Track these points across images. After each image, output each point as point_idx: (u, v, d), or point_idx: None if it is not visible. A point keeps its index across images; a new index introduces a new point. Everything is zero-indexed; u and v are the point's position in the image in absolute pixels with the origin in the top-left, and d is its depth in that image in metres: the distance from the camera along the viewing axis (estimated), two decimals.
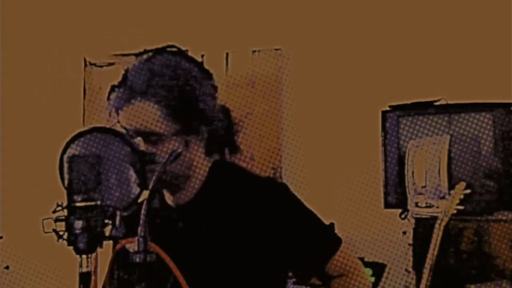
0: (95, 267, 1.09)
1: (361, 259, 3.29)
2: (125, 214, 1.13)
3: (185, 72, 1.47)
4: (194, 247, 1.11)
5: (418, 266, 2.67)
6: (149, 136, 1.42)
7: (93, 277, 1.07)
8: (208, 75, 1.54)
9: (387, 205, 3.18)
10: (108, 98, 1.50)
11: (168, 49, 1.50)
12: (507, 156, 2.86)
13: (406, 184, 2.94)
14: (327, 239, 1.56)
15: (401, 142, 3.12)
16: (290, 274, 1.60)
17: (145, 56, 1.48)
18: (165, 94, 1.43)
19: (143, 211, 1.07)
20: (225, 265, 1.44)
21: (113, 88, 1.49)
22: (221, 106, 1.57)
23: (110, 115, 1.49)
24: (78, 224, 1.08)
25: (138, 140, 1.41)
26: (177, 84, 1.45)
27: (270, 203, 1.49)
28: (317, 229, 1.56)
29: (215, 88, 1.55)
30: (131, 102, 1.44)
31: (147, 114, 1.42)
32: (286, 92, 3.88)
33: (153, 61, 1.46)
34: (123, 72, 1.50)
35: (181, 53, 1.51)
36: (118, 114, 1.47)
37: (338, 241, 1.57)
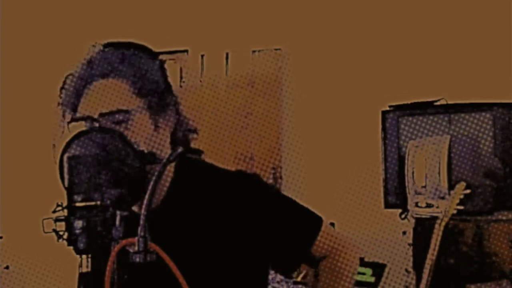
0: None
1: (361, 259, 3.29)
2: (125, 214, 1.12)
3: (138, 52, 1.45)
4: (171, 249, 1.09)
5: (418, 266, 2.67)
6: (115, 116, 1.36)
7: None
8: (158, 58, 1.49)
9: (387, 205, 3.18)
10: (62, 88, 1.42)
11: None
12: (507, 156, 2.86)
13: (406, 184, 2.94)
14: (307, 221, 1.53)
15: (401, 142, 3.12)
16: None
17: (98, 49, 1.45)
18: (126, 70, 1.39)
19: (143, 211, 1.07)
20: (207, 264, 1.41)
21: (67, 76, 1.44)
22: None
23: (63, 115, 1.41)
24: (78, 224, 1.08)
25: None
26: (134, 60, 1.42)
27: (244, 195, 1.45)
28: (296, 213, 1.52)
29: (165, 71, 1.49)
30: (92, 84, 1.38)
31: (111, 90, 1.37)
32: (286, 92, 3.88)
33: (110, 48, 1.44)
34: (78, 64, 1.44)
35: (125, 43, 1.48)
36: (74, 107, 1.40)
37: (319, 220, 1.53)
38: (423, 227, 2.76)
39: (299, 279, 3.14)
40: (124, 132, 1.34)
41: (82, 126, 1.40)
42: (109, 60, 1.41)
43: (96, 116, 1.36)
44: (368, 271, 3.24)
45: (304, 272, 3.08)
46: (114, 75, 1.39)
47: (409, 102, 3.15)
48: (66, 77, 1.45)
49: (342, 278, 1.53)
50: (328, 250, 1.53)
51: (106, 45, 1.46)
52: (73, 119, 1.40)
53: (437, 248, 2.45)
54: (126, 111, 1.37)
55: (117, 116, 1.36)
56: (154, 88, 1.41)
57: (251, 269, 1.48)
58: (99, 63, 1.40)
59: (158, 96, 1.42)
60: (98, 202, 1.10)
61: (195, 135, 1.52)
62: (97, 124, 1.36)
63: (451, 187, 2.65)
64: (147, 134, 1.38)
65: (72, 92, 1.40)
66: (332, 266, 1.53)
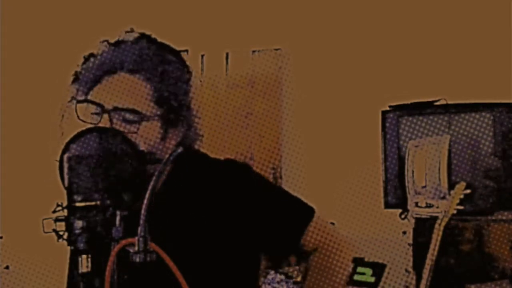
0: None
1: (361, 259, 3.29)
2: (125, 214, 1.12)
3: (174, 60, 1.44)
4: (163, 239, 1.08)
5: (418, 266, 2.67)
6: (127, 115, 1.35)
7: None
8: (189, 72, 1.49)
9: (387, 205, 3.18)
10: (83, 65, 1.41)
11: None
12: (507, 156, 2.86)
13: (406, 184, 2.94)
14: (298, 211, 1.50)
15: (401, 142, 3.12)
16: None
17: (131, 38, 1.43)
18: (156, 74, 1.37)
19: (143, 211, 1.07)
20: (199, 254, 1.40)
21: (90, 56, 1.42)
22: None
23: (76, 93, 1.39)
24: (78, 224, 1.08)
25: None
26: (167, 68, 1.40)
27: (233, 183, 1.45)
28: (286, 202, 1.50)
29: (190, 86, 1.48)
30: (117, 73, 1.37)
31: (134, 89, 1.36)
32: (286, 92, 3.88)
33: (142, 42, 1.42)
34: (103, 46, 1.42)
35: (165, 45, 1.47)
36: (89, 89, 1.38)
37: (311, 211, 1.51)
38: (423, 227, 2.76)
39: (299, 279, 3.14)
40: (131, 133, 1.34)
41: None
42: (142, 57, 1.38)
43: (110, 107, 1.35)
44: (368, 271, 3.24)
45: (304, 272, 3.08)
46: (141, 74, 1.37)
47: (409, 102, 3.15)
48: (89, 56, 1.43)
49: (333, 274, 1.50)
50: (319, 241, 1.50)
51: (142, 36, 1.43)
52: (87, 100, 1.38)
53: (437, 248, 2.45)
54: (140, 114, 1.35)
55: (128, 115, 1.35)
56: (175, 102, 1.40)
57: (243, 257, 1.47)
58: (131, 55, 1.38)
59: (175, 111, 1.40)
60: (98, 202, 1.10)
61: (200, 142, 1.51)
62: (106, 116, 1.34)
63: (451, 187, 2.65)
64: (152, 142, 1.38)
65: (93, 73, 1.38)
66: (323, 261, 1.50)
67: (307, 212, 1.51)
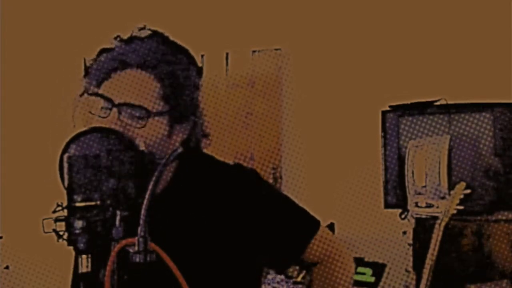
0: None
1: (361, 259, 3.30)
2: (125, 214, 1.12)
3: (184, 60, 1.45)
4: (166, 239, 1.08)
5: (418, 266, 2.67)
6: (134, 110, 1.36)
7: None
8: (200, 72, 1.49)
9: (387, 205, 3.18)
10: (95, 60, 1.42)
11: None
12: (507, 156, 2.86)
13: (406, 184, 2.94)
14: (303, 223, 1.50)
15: (401, 142, 3.12)
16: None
17: (144, 34, 1.44)
18: (166, 72, 1.38)
19: (143, 211, 1.07)
20: (200, 257, 1.40)
21: (104, 51, 1.43)
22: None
23: (89, 85, 1.41)
24: (78, 224, 1.08)
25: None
26: (177, 67, 1.41)
27: (240, 190, 1.45)
28: (292, 213, 1.50)
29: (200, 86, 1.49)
30: (127, 69, 1.38)
31: (143, 86, 1.37)
32: (286, 92, 3.88)
33: (154, 40, 1.43)
34: (115, 41, 1.43)
35: (177, 44, 1.48)
36: (100, 84, 1.40)
37: (316, 224, 1.51)
38: (423, 227, 2.76)
39: (299, 279, 3.14)
40: (138, 130, 1.35)
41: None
42: (153, 54, 1.39)
43: (118, 102, 1.36)
44: (368, 271, 3.24)
45: (304, 272, 3.08)
46: (151, 71, 1.38)
47: (409, 102, 3.15)
48: (101, 51, 1.44)
49: (339, 283, 1.51)
50: (323, 254, 1.51)
51: (155, 33, 1.44)
52: (97, 94, 1.39)
53: (437, 248, 2.45)
54: (147, 111, 1.36)
55: (136, 111, 1.36)
56: (182, 100, 1.41)
57: (244, 262, 1.47)
58: (142, 52, 1.39)
59: (182, 107, 1.41)
60: (98, 202, 1.10)
61: (207, 141, 1.51)
62: (115, 110, 1.35)
63: (451, 187, 2.66)
64: (158, 139, 1.38)
65: (105, 67, 1.40)
66: (327, 273, 1.51)
67: (313, 224, 1.51)
